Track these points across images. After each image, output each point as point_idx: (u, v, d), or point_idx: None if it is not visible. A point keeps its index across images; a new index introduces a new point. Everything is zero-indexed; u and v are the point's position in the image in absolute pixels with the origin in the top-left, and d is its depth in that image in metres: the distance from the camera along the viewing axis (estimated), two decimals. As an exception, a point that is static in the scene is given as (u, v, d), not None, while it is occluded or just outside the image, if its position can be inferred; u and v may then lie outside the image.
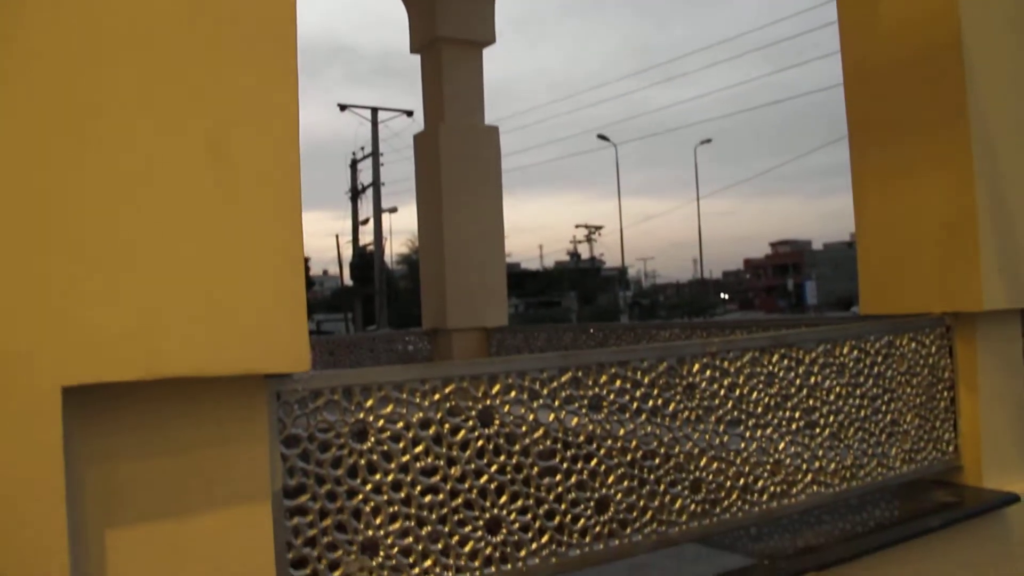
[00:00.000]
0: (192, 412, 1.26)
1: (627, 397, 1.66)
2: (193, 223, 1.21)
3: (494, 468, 1.51)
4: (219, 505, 1.27)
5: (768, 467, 1.87)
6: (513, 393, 1.54)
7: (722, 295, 56.18)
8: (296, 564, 1.36)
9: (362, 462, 1.41)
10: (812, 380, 1.96)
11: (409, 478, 1.44)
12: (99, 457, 1.20)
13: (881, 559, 1.98)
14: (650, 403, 1.68)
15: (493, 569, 1.51)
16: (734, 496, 1.81)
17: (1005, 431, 2.40)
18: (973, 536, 2.22)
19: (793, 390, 1.92)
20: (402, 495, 1.44)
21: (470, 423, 1.49)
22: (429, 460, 1.46)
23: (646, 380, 1.68)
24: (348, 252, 29.95)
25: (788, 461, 1.91)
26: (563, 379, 1.59)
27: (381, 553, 1.42)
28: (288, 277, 1.28)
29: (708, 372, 1.77)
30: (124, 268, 1.16)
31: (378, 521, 1.42)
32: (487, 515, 1.51)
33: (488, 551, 1.51)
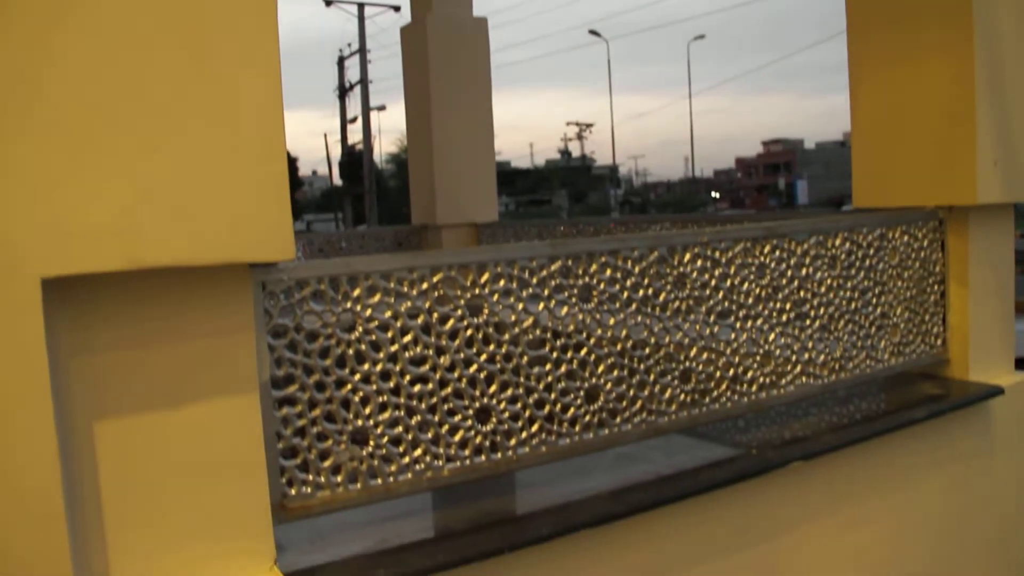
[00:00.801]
0: (177, 303, 1.23)
1: (617, 287, 1.64)
2: (172, 110, 1.17)
3: (483, 358, 1.50)
4: (207, 396, 1.26)
5: (758, 358, 1.88)
6: (502, 282, 1.52)
7: (713, 194, 56.05)
8: (286, 454, 1.36)
9: (350, 352, 1.40)
10: (803, 272, 1.95)
11: (398, 368, 1.43)
12: (84, 349, 1.18)
13: (867, 449, 2.00)
14: (640, 293, 1.67)
15: (483, 458, 1.52)
16: (723, 387, 1.81)
17: (992, 325, 2.41)
18: (958, 427, 2.25)
19: (784, 281, 1.91)
20: (391, 385, 1.43)
21: (459, 312, 1.48)
22: (418, 350, 1.45)
23: (637, 270, 1.66)
24: (337, 151, 29.67)
25: (778, 352, 1.91)
26: (552, 268, 1.57)
27: (371, 443, 1.43)
28: (270, 163, 1.25)
29: (699, 262, 1.76)
30: (103, 157, 1.13)
31: (367, 411, 1.41)
32: (477, 404, 1.50)
33: (478, 440, 1.51)
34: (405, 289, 1.44)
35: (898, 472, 2.13)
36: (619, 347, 1.65)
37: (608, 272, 1.63)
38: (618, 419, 1.65)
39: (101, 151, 1.13)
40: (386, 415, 1.43)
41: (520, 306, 1.54)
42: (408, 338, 1.44)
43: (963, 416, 2.26)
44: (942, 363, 2.36)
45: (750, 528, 1.84)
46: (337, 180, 30.39)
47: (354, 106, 27.35)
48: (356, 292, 1.40)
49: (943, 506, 2.27)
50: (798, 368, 1.95)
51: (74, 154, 1.11)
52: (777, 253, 1.89)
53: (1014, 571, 2.55)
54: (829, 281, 2.01)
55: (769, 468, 1.76)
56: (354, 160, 27.73)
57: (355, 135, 28.04)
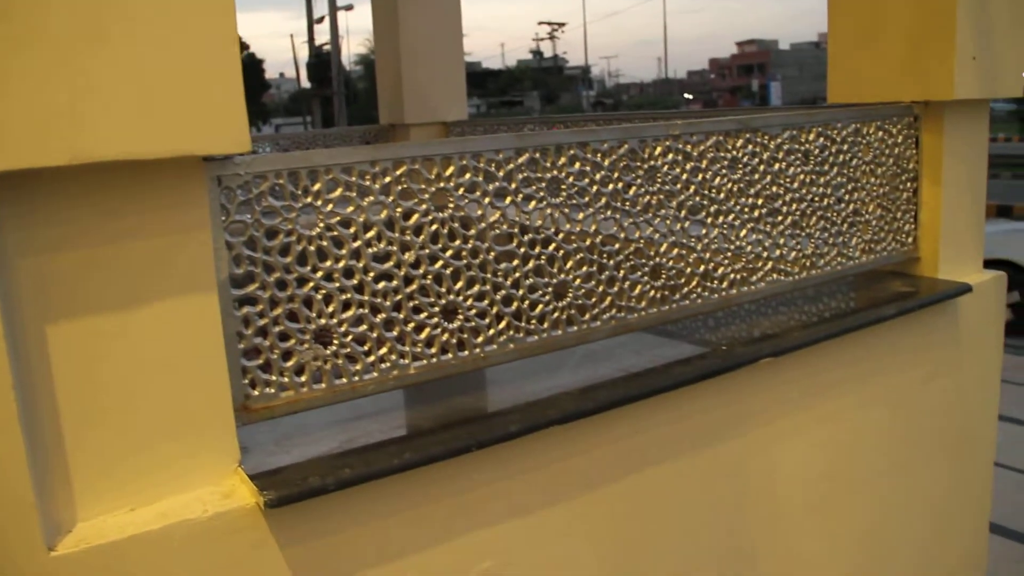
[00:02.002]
0: (128, 201, 1.18)
1: (586, 180, 1.60)
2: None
3: (449, 254, 1.46)
4: (163, 296, 1.21)
5: (728, 255, 1.85)
6: (467, 176, 1.47)
7: (686, 95, 55.59)
8: (248, 355, 1.33)
9: (312, 249, 1.35)
10: (776, 166, 1.91)
11: (361, 264, 1.39)
12: (32, 250, 1.13)
13: (836, 346, 2.00)
14: (610, 187, 1.63)
15: (450, 356, 1.49)
16: (694, 283, 1.79)
17: (964, 224, 2.40)
18: (926, 325, 2.26)
19: (757, 176, 1.88)
20: (355, 282, 1.40)
21: (423, 207, 1.43)
22: (381, 246, 1.41)
23: (606, 163, 1.61)
24: (304, 53, 28.97)
25: (749, 249, 1.89)
26: (519, 161, 1.52)
27: (335, 341, 1.39)
28: (221, 49, 1.18)
29: (670, 155, 1.71)
30: (44, 46, 1.05)
31: (330, 309, 1.38)
32: (443, 302, 1.47)
33: (445, 338, 1.48)
34: (368, 183, 1.39)
35: (867, 369, 2.14)
36: (588, 243, 1.61)
37: (577, 165, 1.58)
38: (587, 316, 1.63)
39: (42, 40, 1.05)
40: (350, 313, 1.39)
41: (486, 200, 1.49)
42: (371, 234, 1.40)
43: (932, 313, 2.26)
44: (912, 261, 2.35)
45: (720, 424, 1.84)
46: (305, 83, 29.77)
47: (321, 5, 26.68)
48: (316, 187, 1.35)
49: (911, 401, 2.30)
50: (769, 265, 1.93)
51: (13, 45, 1.04)
52: (750, 147, 1.85)
53: (979, 463, 2.60)
54: (802, 177, 1.98)
55: (739, 364, 1.76)
56: (322, 62, 27.10)
57: (322, 36, 27.46)
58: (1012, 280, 9.12)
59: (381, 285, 1.41)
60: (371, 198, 1.39)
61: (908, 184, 2.29)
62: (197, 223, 1.23)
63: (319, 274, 1.36)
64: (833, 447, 2.11)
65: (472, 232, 1.48)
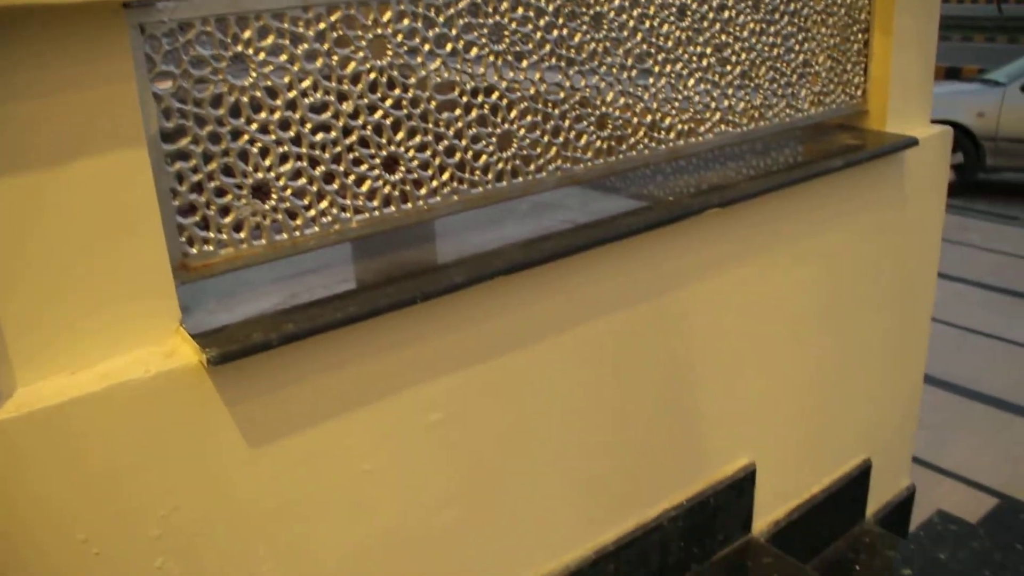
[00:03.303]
0: (44, 53, 1.10)
1: (530, 26, 1.54)
2: None
3: (389, 103, 1.41)
4: (88, 153, 1.15)
5: (676, 105, 1.82)
6: (406, 21, 1.41)
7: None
8: (184, 212, 1.28)
9: (245, 100, 1.29)
10: (726, 14, 1.86)
11: (298, 115, 1.34)
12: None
13: (783, 198, 2.00)
14: (555, 34, 1.57)
15: (393, 209, 1.46)
16: (641, 133, 1.76)
17: (913, 77, 2.37)
18: (873, 177, 2.26)
19: (706, 24, 1.83)
20: (291, 134, 1.34)
21: (360, 54, 1.37)
22: (318, 96, 1.35)
23: (551, 8, 1.55)
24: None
25: (697, 99, 1.86)
26: (460, 5, 1.45)
27: (274, 196, 1.35)
28: None
29: (617, 1, 1.65)
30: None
31: (268, 163, 1.33)
32: (384, 153, 1.43)
33: (387, 190, 1.45)
34: (301, 30, 1.32)
35: (813, 220, 2.15)
36: (532, 91, 1.57)
37: (520, 11, 1.52)
38: (532, 167, 1.60)
39: None
40: (288, 166, 1.35)
41: (427, 47, 1.43)
42: (307, 83, 1.34)
43: (878, 166, 2.26)
44: (861, 114, 2.34)
45: (667, 274, 1.85)
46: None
47: None
48: (247, 34, 1.28)
49: (854, 253, 2.32)
50: (717, 115, 1.90)
51: None
52: (699, -7, 1.80)
53: (918, 317, 2.67)
54: (752, 25, 1.93)
55: (686, 215, 1.75)
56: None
57: None
58: (958, 141, 9.23)
59: (319, 137, 1.37)
60: (305, 46, 1.33)
61: (859, 35, 2.25)
62: (121, 75, 1.16)
63: (254, 126, 1.31)
64: (777, 298, 2.14)
65: (412, 80, 1.43)
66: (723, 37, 1.87)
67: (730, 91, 1.92)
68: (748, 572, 2.19)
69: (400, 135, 1.44)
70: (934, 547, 2.97)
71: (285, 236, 1.38)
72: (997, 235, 7.80)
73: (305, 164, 1.36)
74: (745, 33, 1.92)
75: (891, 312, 2.53)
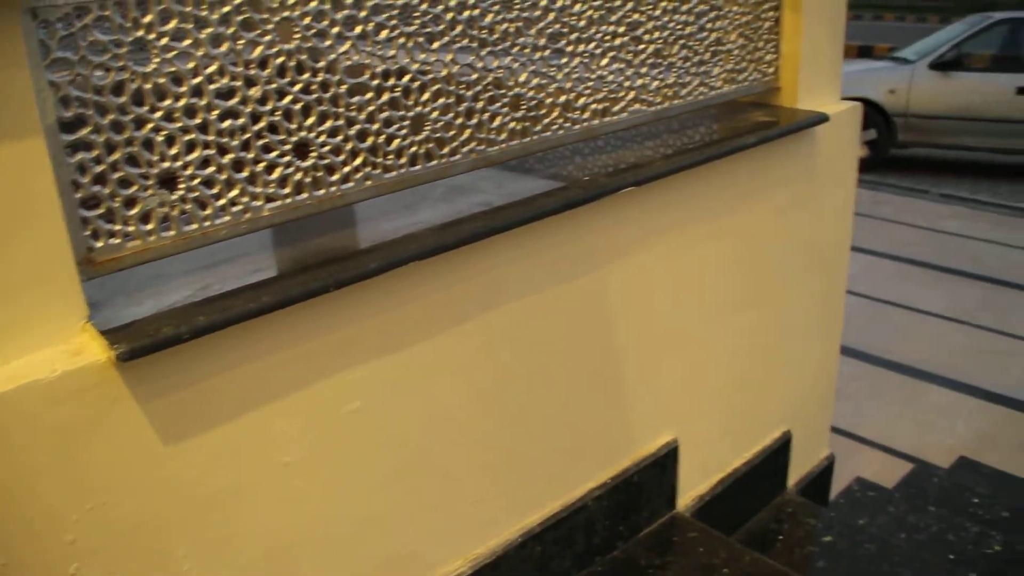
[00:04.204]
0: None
1: (440, 7, 1.52)
2: None
3: (298, 88, 1.38)
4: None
5: (590, 84, 1.82)
6: (314, 3, 1.38)
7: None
8: (87, 204, 1.24)
9: (148, 87, 1.25)
10: (638, -7, 1.87)
11: (204, 102, 1.30)
12: None
13: (698, 175, 2.02)
14: (466, 14, 1.55)
15: (305, 195, 1.43)
16: (555, 114, 1.75)
17: (823, 54, 2.41)
18: (786, 153, 2.30)
19: (618, 3, 1.82)
20: (197, 121, 1.31)
21: (267, 38, 1.34)
22: (224, 81, 1.32)
23: (461, -11, 1.54)
24: None
25: (611, 78, 1.86)
26: (369, -13, 1.43)
27: (181, 185, 1.31)
28: None
29: (529, -19, 1.64)
30: None
31: (174, 151, 1.29)
32: (294, 139, 1.40)
33: (298, 177, 1.42)
34: (204, 14, 1.28)
35: (729, 197, 2.18)
36: (444, 73, 1.55)
37: (431, -9, 1.50)
38: (446, 149, 1.58)
39: None
40: (195, 155, 1.31)
41: (335, 30, 1.41)
42: (212, 69, 1.30)
43: (791, 143, 2.30)
44: (773, 91, 2.37)
45: (584, 254, 1.85)
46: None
47: None
48: (147, 18, 1.24)
49: (770, 228, 2.36)
50: (631, 94, 1.91)
51: None
52: (611, -28, 1.80)
53: (833, 290, 2.72)
54: (664, 4, 1.94)
55: (602, 194, 1.75)
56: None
57: None
58: (869, 118, 9.44)
59: (227, 124, 1.33)
60: (210, 30, 1.29)
61: (770, 13, 2.28)
62: (13, 62, 1.12)
63: (158, 114, 1.27)
64: (695, 274, 2.16)
65: (321, 64, 1.40)
66: (635, 16, 1.88)
67: (644, 70, 1.93)
68: (674, 547, 2.22)
69: (310, 120, 1.41)
70: (853, 513, 3.06)
71: (195, 227, 1.34)
72: (909, 208, 8.02)
73: (213, 152, 1.33)
74: (657, 12, 1.93)
75: (807, 286, 2.58)
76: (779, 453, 2.66)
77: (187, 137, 1.30)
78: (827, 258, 2.64)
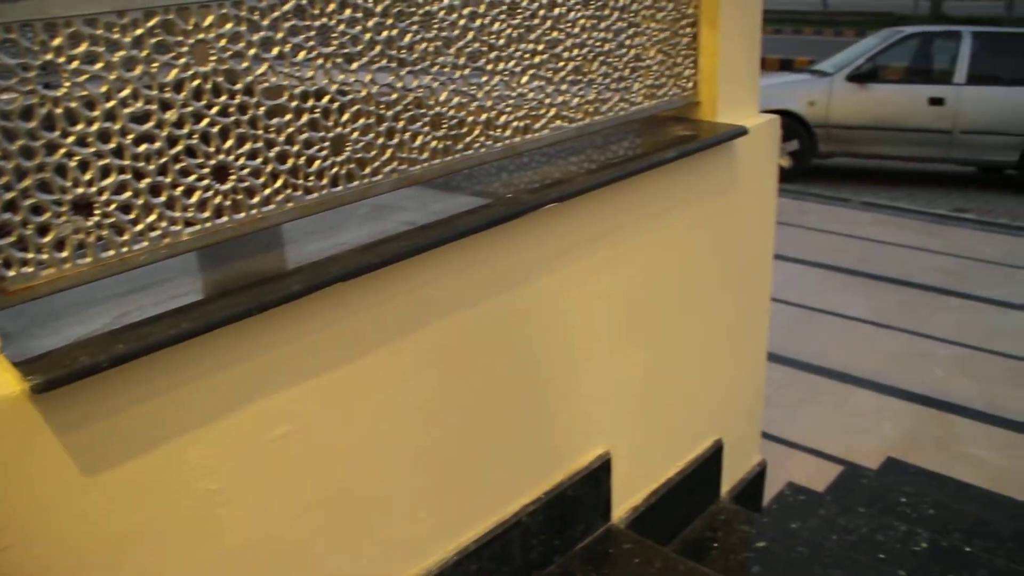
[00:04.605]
0: None
1: (358, 28, 1.52)
2: None
3: (215, 110, 1.37)
4: None
5: (511, 102, 1.83)
6: (230, 25, 1.36)
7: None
8: (-1, 232, 1.21)
9: (59, 111, 1.23)
10: (556, 11, 1.88)
11: (118, 126, 1.28)
12: None
13: (620, 190, 2.04)
14: (384, 34, 1.55)
15: (225, 219, 1.42)
16: (476, 132, 1.76)
17: (740, 68, 2.46)
18: (707, 166, 2.34)
19: (537, 21, 1.84)
20: (112, 146, 1.28)
21: (182, 60, 1.32)
22: (139, 105, 1.29)
23: (379, 8, 1.53)
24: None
25: (531, 96, 1.87)
26: (285, 8, 1.42)
27: (97, 211, 1.29)
28: None
29: (446, 0, 1.65)
30: None
31: (88, 177, 1.27)
32: (212, 162, 1.38)
33: (218, 200, 1.40)
34: (116, 36, 1.26)
35: (652, 211, 2.20)
36: (364, 93, 1.55)
37: (347, 12, 1.50)
38: (368, 170, 1.58)
39: None
40: (110, 180, 1.29)
41: (252, 51, 1.40)
42: (126, 92, 1.28)
43: (711, 156, 2.34)
44: (693, 105, 2.41)
45: (510, 271, 1.86)
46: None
47: None
48: (56, 42, 1.22)
49: (693, 240, 2.39)
50: (552, 111, 1.93)
51: None
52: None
53: (758, 298, 2.77)
54: (583, 21, 1.96)
55: (525, 211, 1.76)
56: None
57: None
58: (792, 129, 9.66)
59: (142, 148, 1.31)
60: (123, 53, 1.27)
61: (688, 29, 2.32)
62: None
63: (71, 139, 1.24)
64: (621, 288, 2.18)
65: (239, 86, 1.39)
66: (555, 34, 1.89)
67: (564, 87, 1.94)
68: (610, 559, 2.23)
69: (229, 143, 1.39)
70: (786, 518, 3.11)
71: (112, 253, 1.31)
72: (832, 217, 8.21)
73: (129, 177, 1.30)
74: (576, 29, 1.95)
75: (732, 295, 2.62)
76: (711, 462, 2.69)
77: (101, 162, 1.27)
78: (750, 268, 2.69)
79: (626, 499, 2.39)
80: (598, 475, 2.23)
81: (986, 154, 9.53)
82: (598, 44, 2.02)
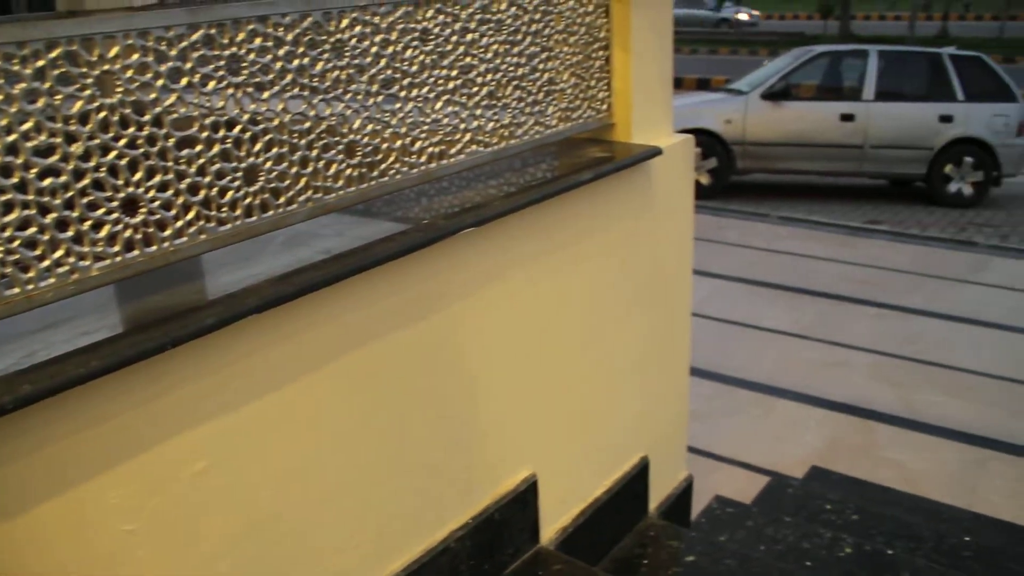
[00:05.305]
0: None
1: (269, 57, 1.51)
2: None
3: (123, 142, 1.34)
4: None
5: (426, 128, 1.83)
6: (136, 56, 1.34)
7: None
8: None
9: (-44, 147, 1.19)
10: (469, 37, 1.90)
11: (20, 160, 1.25)
12: None
13: (537, 213, 2.06)
14: (295, 63, 1.55)
15: (136, 253, 1.38)
16: (392, 159, 1.76)
17: (653, 90, 2.51)
18: (623, 187, 2.37)
19: (450, 47, 1.85)
20: (15, 180, 1.25)
21: (88, 92, 1.30)
22: (43, 138, 1.26)
23: (289, 37, 1.53)
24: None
25: (446, 121, 1.88)
26: (194, 38, 1.40)
27: (0, 248, 1.25)
28: None
29: (358, 28, 1.64)
30: None
31: (-11, 213, 1.23)
32: (121, 195, 1.35)
33: (128, 234, 1.37)
34: (16, 68, 1.23)
35: (569, 232, 2.23)
36: (276, 122, 1.54)
37: (257, 41, 1.49)
38: (282, 199, 1.56)
39: None
40: (13, 216, 1.25)
41: (159, 83, 1.38)
42: (28, 125, 1.25)
43: (627, 176, 2.37)
44: (608, 127, 2.44)
45: (430, 296, 1.86)
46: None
47: None
48: (-47, 74, 1.19)
49: (611, 260, 2.42)
50: (467, 136, 1.93)
51: None
52: (441, 17, 1.82)
53: (678, 314, 2.81)
54: (496, 47, 1.98)
55: (442, 236, 1.76)
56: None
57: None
58: (710, 147, 9.85)
59: (47, 182, 1.28)
60: (24, 85, 1.24)
61: (600, 53, 2.35)
62: None
63: (-30, 175, 1.21)
64: (541, 310, 2.19)
65: (147, 118, 1.37)
66: (468, 59, 1.91)
67: (478, 112, 1.96)
68: (540, 581, 2.23)
69: (138, 175, 1.37)
70: (714, 531, 3.15)
71: (17, 291, 1.27)
72: (751, 232, 8.38)
73: (33, 212, 1.27)
74: (489, 54, 1.96)
75: (652, 312, 2.66)
76: (638, 479, 2.71)
77: (3, 198, 1.24)
78: (670, 284, 2.73)
79: (554, 520, 2.40)
80: (525, 497, 2.23)
81: (896, 168, 9.86)
82: (511, 69, 2.04)
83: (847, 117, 9.65)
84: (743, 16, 27.95)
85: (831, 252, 7.73)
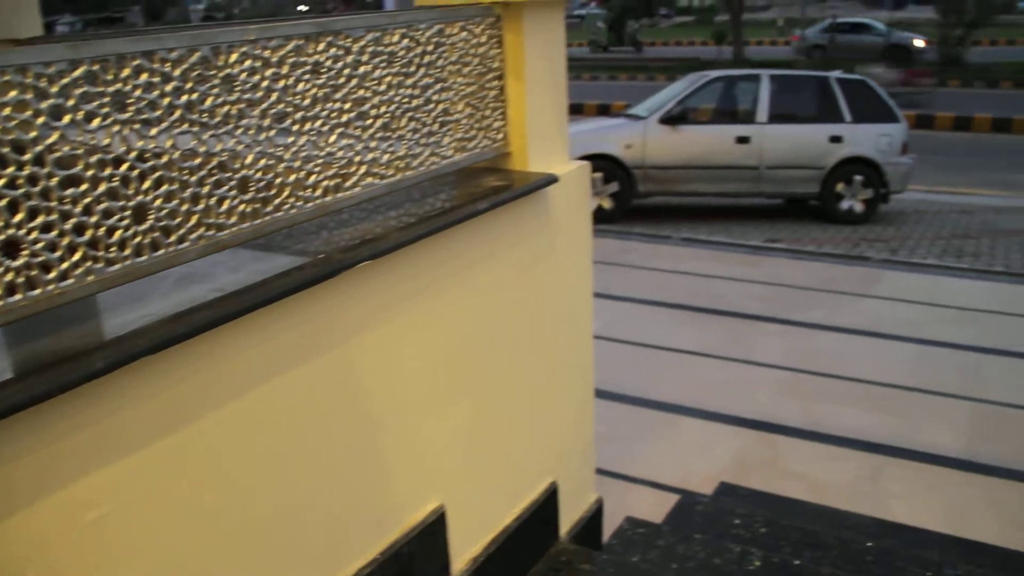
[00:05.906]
0: None
1: (156, 93, 1.48)
2: None
3: (2, 182, 1.30)
4: None
5: (320, 161, 1.82)
6: (14, 93, 1.31)
7: (300, 7, 54.23)
8: None
9: None
10: (361, 69, 1.90)
11: None
12: None
13: (435, 243, 2.07)
14: (184, 99, 1.53)
15: (19, 296, 1.34)
16: (286, 194, 1.75)
17: (548, 118, 2.55)
18: (520, 215, 2.40)
19: (343, 80, 1.85)
20: None
21: (-38, 134, 1.26)
22: (-85, 181, 1.22)
23: (177, 73, 1.51)
24: None
25: (340, 154, 1.88)
26: (75, 74, 1.37)
27: None
28: None
29: (248, 62, 1.63)
30: None
31: None
32: (1, 236, 1.31)
33: (9, 277, 1.33)
34: None
35: (468, 261, 2.24)
36: (165, 159, 1.51)
37: (143, 77, 1.46)
38: (173, 237, 1.54)
39: None
40: None
41: (40, 120, 1.34)
42: (-101, 168, 1.21)
43: (524, 204, 2.40)
44: (504, 156, 2.47)
45: (329, 330, 1.84)
46: None
47: None
48: None
49: (511, 288, 2.44)
50: (363, 169, 1.93)
51: None
52: (333, 50, 1.82)
53: (580, 337, 2.84)
54: (389, 79, 1.99)
55: (338, 270, 1.75)
56: None
57: None
58: (611, 172, 9.99)
59: (-84, 226, 1.24)
60: None
61: (495, 83, 2.38)
62: None
63: None
64: (442, 340, 2.20)
65: (28, 157, 1.33)
66: (361, 92, 1.91)
67: (373, 144, 1.96)
68: (452, 612, 2.22)
69: (19, 216, 1.33)
70: (626, 552, 3.17)
71: None
72: (654, 254, 8.52)
73: (-95, 258, 1.23)
74: (383, 87, 1.97)
75: (554, 338, 2.68)
76: (547, 504, 2.72)
77: None
78: (570, 310, 2.76)
79: (465, 551, 2.39)
80: (434, 529, 2.22)
81: (791, 187, 10.16)
82: (406, 100, 2.05)
83: (742, 139, 9.92)
84: (919, 43, 25.87)
85: (733, 271, 7.91)
